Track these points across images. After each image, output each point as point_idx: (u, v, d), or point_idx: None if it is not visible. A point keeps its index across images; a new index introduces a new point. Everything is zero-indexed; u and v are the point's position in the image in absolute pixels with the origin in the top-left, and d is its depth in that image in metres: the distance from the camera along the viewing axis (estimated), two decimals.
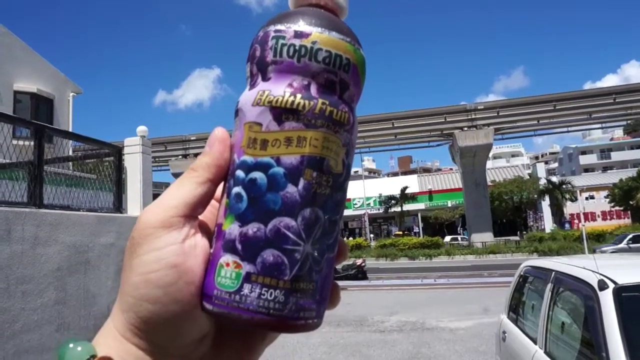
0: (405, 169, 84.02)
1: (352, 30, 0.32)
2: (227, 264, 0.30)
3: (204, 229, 0.33)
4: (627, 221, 41.09)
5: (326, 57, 0.30)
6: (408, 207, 47.13)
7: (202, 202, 0.32)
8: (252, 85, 0.31)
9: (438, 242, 33.33)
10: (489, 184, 41.79)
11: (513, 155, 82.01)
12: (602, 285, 2.39)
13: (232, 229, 0.30)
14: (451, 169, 61.35)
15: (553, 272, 3.25)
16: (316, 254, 0.30)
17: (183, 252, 0.30)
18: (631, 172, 42.74)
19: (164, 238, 0.30)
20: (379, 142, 40.72)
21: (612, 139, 71.72)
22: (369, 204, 49.05)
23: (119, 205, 7.50)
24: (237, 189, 0.30)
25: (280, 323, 0.29)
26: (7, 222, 5.31)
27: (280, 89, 0.30)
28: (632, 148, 66.21)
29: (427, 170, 76.82)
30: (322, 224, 0.30)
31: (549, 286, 3.22)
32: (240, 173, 0.30)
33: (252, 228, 0.29)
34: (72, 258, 6.07)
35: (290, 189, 0.29)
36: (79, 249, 6.21)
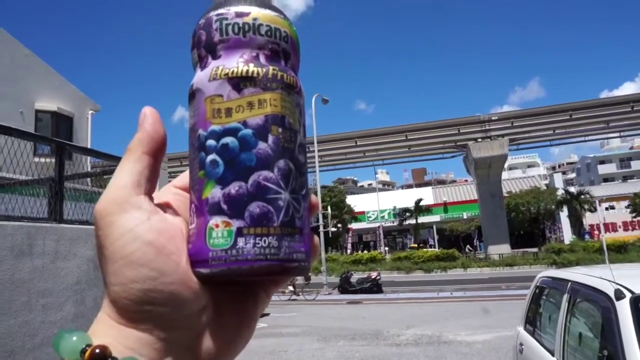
0: (420, 181, 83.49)
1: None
2: (217, 225, 0.31)
3: (167, 207, 0.34)
4: None
5: (268, 30, 0.33)
6: (423, 219, 46.69)
7: (146, 177, 0.32)
8: (204, 66, 0.34)
9: (454, 255, 32.84)
10: (505, 195, 41.23)
11: (529, 166, 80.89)
12: (619, 295, 2.37)
13: (214, 192, 0.31)
14: (466, 180, 60.76)
15: (569, 283, 3.21)
16: (295, 202, 0.32)
17: (153, 228, 0.31)
18: None
19: (128, 221, 0.30)
20: (392, 154, 40.61)
21: (631, 148, 70.30)
22: (383, 217, 48.75)
23: None
24: (211, 157, 0.32)
25: (279, 267, 0.31)
26: (29, 237, 5.45)
27: (234, 62, 0.33)
28: None
29: (441, 182, 76.18)
30: (295, 175, 0.33)
31: (566, 297, 3.18)
32: (211, 142, 0.32)
33: (233, 187, 0.31)
34: (90, 272, 6.18)
35: (262, 145, 0.32)
36: (97, 262, 6.32)
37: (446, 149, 39.37)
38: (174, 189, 0.37)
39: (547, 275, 4.15)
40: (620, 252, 28.25)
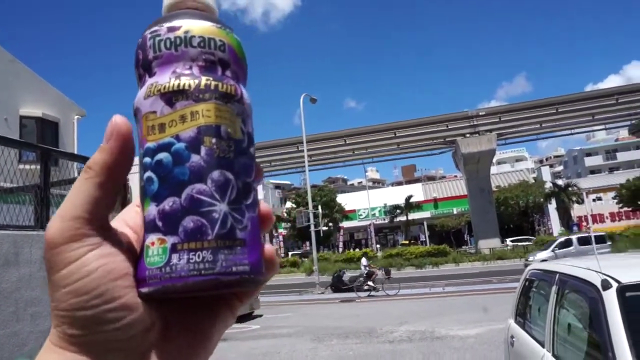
0: (410, 178, 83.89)
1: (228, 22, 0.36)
2: (153, 243, 0.31)
3: (129, 226, 0.34)
4: (638, 221, 40.70)
5: (200, 41, 0.33)
6: (413, 215, 46.95)
7: (105, 205, 0.31)
8: (142, 85, 0.34)
9: (445, 250, 33.08)
10: (494, 189, 41.59)
11: (517, 160, 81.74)
12: (606, 285, 2.40)
13: (150, 210, 0.31)
14: (455, 176, 61.21)
15: (557, 275, 3.25)
16: (235, 213, 0.31)
17: (101, 255, 0.30)
18: (638, 172, 42.45)
19: (75, 251, 0.30)
20: (381, 152, 40.75)
21: (617, 140, 71.37)
22: (374, 214, 48.92)
23: None
24: (147, 174, 0.32)
25: (214, 281, 0.30)
26: (15, 246, 5.37)
27: (166, 77, 0.32)
28: (637, 148, 65.80)
29: (431, 178, 76.64)
30: (234, 184, 0.32)
31: (554, 288, 3.22)
32: (147, 160, 0.32)
33: (167, 203, 0.31)
34: None
35: (194, 158, 0.31)
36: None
37: (435, 145, 39.62)
38: (135, 208, 0.35)
39: (536, 268, 4.19)
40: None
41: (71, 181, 8.17)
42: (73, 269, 0.29)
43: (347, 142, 39.13)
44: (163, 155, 0.31)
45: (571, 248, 22.08)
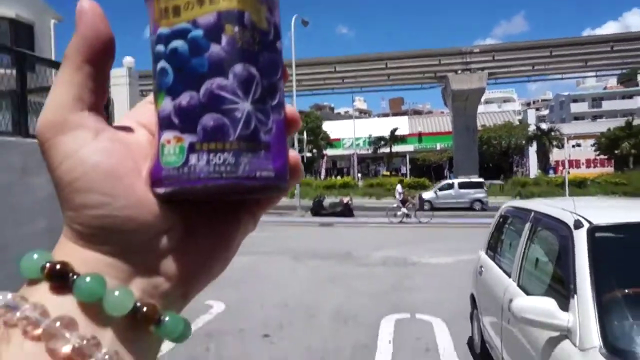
0: (397, 111, 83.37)
1: None
2: (169, 141, 0.28)
3: (137, 124, 0.32)
4: (610, 169, 42.00)
5: None
6: (397, 148, 47.36)
7: (89, 89, 0.28)
8: None
9: (424, 184, 33.88)
10: (479, 128, 41.86)
11: (505, 101, 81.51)
12: (578, 225, 2.51)
13: (165, 105, 0.28)
14: (442, 112, 61.06)
15: (533, 212, 3.38)
16: (260, 114, 0.29)
17: (99, 149, 0.27)
18: (620, 122, 43.06)
19: (69, 144, 0.27)
20: (371, 82, 40.00)
21: (605, 88, 71.37)
22: (358, 145, 49.10)
23: None
24: (160, 64, 0.29)
25: (236, 186, 0.28)
26: None
27: None
28: (623, 97, 66.15)
29: (418, 113, 76.35)
30: (259, 82, 0.29)
31: (528, 225, 3.37)
32: (160, 47, 0.29)
33: (184, 98, 0.28)
34: None
35: (214, 47, 0.28)
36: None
37: (425, 80, 39.01)
38: (148, 105, 0.32)
39: (512, 205, 4.35)
40: (580, 187, 29.81)
41: (50, 88, 7.86)
42: (70, 165, 0.27)
43: (337, 69, 38.13)
44: (178, 43, 0.28)
45: (451, 191, 24.53)
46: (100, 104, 0.29)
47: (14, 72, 5.94)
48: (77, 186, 0.27)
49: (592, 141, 44.70)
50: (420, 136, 50.95)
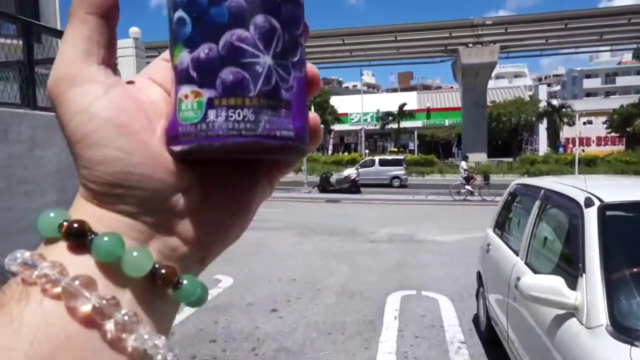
0: (405, 85, 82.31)
1: None
2: (186, 96, 0.27)
3: (151, 81, 0.30)
4: (621, 148, 41.42)
5: None
6: (405, 124, 46.93)
7: (97, 42, 0.27)
8: None
9: (432, 160, 33.72)
10: (489, 104, 41.29)
11: (516, 76, 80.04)
12: (589, 203, 2.48)
13: (182, 57, 0.27)
14: (451, 87, 60.16)
15: (542, 190, 3.35)
16: (281, 70, 0.27)
17: (111, 104, 0.27)
18: (633, 99, 42.21)
19: (79, 98, 0.26)
20: (380, 55, 39.38)
21: (619, 63, 69.70)
22: (366, 120, 48.75)
23: None
24: (178, 14, 0.27)
25: (256, 144, 0.27)
26: (4, 123, 5.28)
27: None
28: (638, 73, 64.64)
29: (427, 88, 75.32)
30: (280, 35, 0.27)
31: (537, 203, 3.34)
32: None
33: (203, 50, 0.26)
34: (71, 161, 6.12)
35: None
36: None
37: (436, 53, 38.35)
38: (162, 62, 0.31)
39: (522, 183, 4.31)
40: (590, 166, 29.51)
41: None
42: (80, 120, 0.26)
43: (346, 41, 37.55)
44: None
45: (372, 168, 25.29)
46: (110, 58, 0.28)
47: (20, 42, 5.91)
48: (89, 141, 0.26)
49: (603, 118, 43.98)
50: (428, 112, 50.41)
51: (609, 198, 2.52)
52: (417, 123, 49.18)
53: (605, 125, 43.50)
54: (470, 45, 35.45)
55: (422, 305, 5.17)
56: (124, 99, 0.27)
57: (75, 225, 0.26)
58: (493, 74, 44.30)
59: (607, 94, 61.35)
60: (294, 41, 0.28)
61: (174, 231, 0.28)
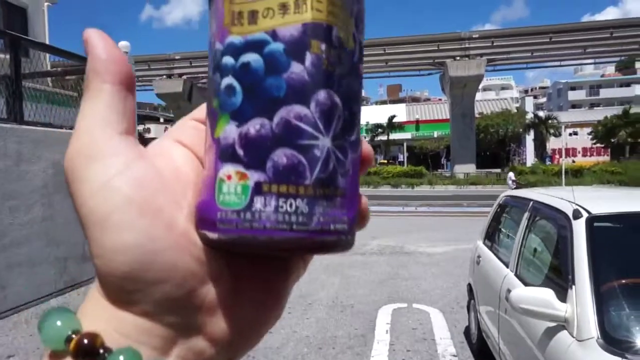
0: (394, 98, 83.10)
1: None
2: (229, 177, 0.24)
3: (177, 146, 0.27)
4: (606, 158, 42.12)
5: None
6: (394, 136, 47.32)
7: (117, 111, 0.25)
8: None
9: (421, 172, 33.98)
10: (477, 115, 41.82)
11: (503, 88, 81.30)
12: (577, 215, 2.51)
13: (228, 131, 0.24)
14: (440, 99, 60.89)
15: (531, 202, 3.38)
16: (339, 152, 0.24)
17: (134, 179, 0.24)
18: (617, 110, 43.08)
19: (99, 172, 0.24)
20: (369, 68, 39.76)
21: (602, 76, 71.23)
22: None
23: None
24: (227, 80, 0.24)
25: (308, 241, 0.23)
26: None
27: None
28: (621, 85, 66.08)
29: (415, 100, 76.11)
30: (341, 112, 0.24)
31: (526, 215, 3.36)
32: (228, 59, 0.24)
33: (253, 125, 0.23)
34: (57, 176, 6.05)
35: (295, 67, 0.23)
36: (63, 167, 6.18)
37: (424, 66, 38.86)
38: (192, 122, 0.28)
39: (511, 195, 4.35)
40: (576, 176, 29.93)
41: (45, 74, 7.76)
42: (99, 199, 0.23)
43: None
44: (252, 57, 0.23)
45: None
46: (131, 127, 0.25)
47: (8, 56, 5.86)
48: (108, 224, 0.23)
49: (589, 129, 44.77)
50: (417, 123, 50.89)
51: (596, 210, 2.54)
52: (406, 135, 49.60)
53: (590, 137, 44.26)
54: (458, 58, 36.00)
55: (414, 318, 5.14)
56: (147, 173, 0.24)
57: (86, 341, 0.22)
58: (480, 86, 44.92)
59: (592, 105, 62.54)
60: (353, 118, 0.25)
61: (200, 330, 0.25)
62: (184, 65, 37.51)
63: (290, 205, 0.23)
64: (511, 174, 19.25)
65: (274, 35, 0.23)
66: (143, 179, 0.24)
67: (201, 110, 0.28)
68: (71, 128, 7.26)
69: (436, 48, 36.65)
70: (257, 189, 0.23)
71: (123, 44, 7.69)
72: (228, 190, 0.23)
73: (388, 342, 4.44)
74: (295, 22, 0.23)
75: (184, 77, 37.63)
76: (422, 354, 4.20)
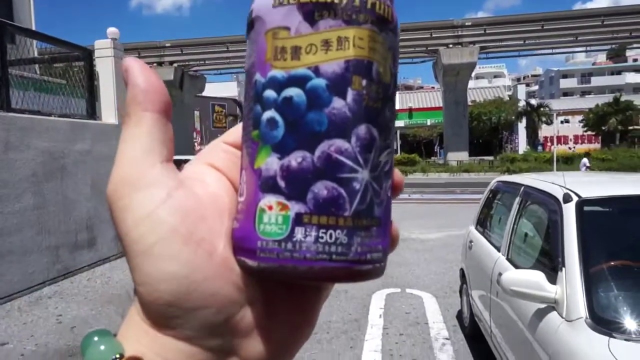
0: None
1: None
2: (270, 207, 0.24)
3: (210, 171, 0.28)
4: (597, 146, 42.48)
5: None
6: None
7: (158, 139, 0.25)
8: None
9: (415, 160, 34.07)
10: (469, 103, 41.88)
11: (495, 76, 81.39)
12: (567, 198, 2.53)
13: (270, 163, 0.24)
14: (433, 87, 60.86)
15: (523, 187, 3.40)
16: (375, 184, 0.25)
17: (176, 209, 0.24)
18: (608, 98, 43.33)
19: (143, 203, 0.24)
20: None
21: (594, 64, 71.49)
22: None
23: (92, 112, 7.27)
24: (268, 114, 0.24)
25: (346, 270, 0.24)
26: None
27: None
28: (612, 73, 66.41)
29: (408, 88, 75.98)
30: (378, 145, 0.25)
31: (517, 199, 3.39)
32: (270, 93, 0.24)
33: (295, 158, 0.24)
34: (47, 164, 5.99)
35: (337, 103, 0.24)
36: (53, 155, 6.11)
37: (417, 53, 38.68)
38: (224, 146, 0.29)
39: (502, 180, 4.38)
40: (568, 163, 30.20)
41: (31, 61, 7.61)
42: (145, 229, 0.24)
43: None
44: (294, 92, 0.24)
45: None
46: (170, 155, 0.26)
47: None
48: (153, 253, 0.24)
49: (580, 117, 45.06)
50: (410, 111, 50.88)
51: (586, 194, 2.57)
52: (400, 123, 49.57)
53: (581, 124, 44.57)
54: (451, 45, 35.89)
55: (407, 302, 5.19)
56: (188, 201, 0.25)
57: None
58: (473, 74, 44.92)
59: (583, 93, 62.85)
60: (388, 149, 0.26)
61: (237, 353, 0.26)
62: (175, 53, 37.05)
63: (330, 236, 0.24)
64: (585, 160, 18.85)
65: (316, 71, 0.24)
66: (185, 208, 0.24)
67: (232, 134, 0.29)
68: (61, 116, 7.11)
69: (429, 36, 36.49)
70: (298, 220, 0.24)
71: (112, 30, 7.57)
72: (269, 220, 0.24)
73: (382, 327, 4.49)
74: (337, 59, 0.24)
75: (175, 65, 37.22)
76: (415, 338, 4.25)
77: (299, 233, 0.24)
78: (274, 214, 0.24)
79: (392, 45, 0.26)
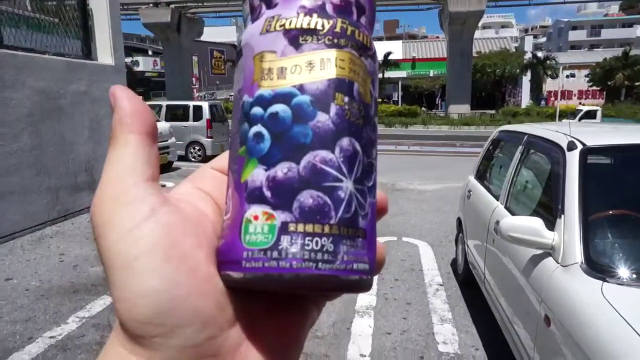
0: (391, 34, 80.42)
1: None
2: (256, 217, 0.24)
3: (197, 193, 0.28)
4: (601, 102, 41.87)
5: None
6: (390, 74, 46.27)
7: (142, 159, 0.25)
8: (256, 18, 0.27)
9: (415, 111, 33.70)
10: (474, 55, 40.80)
11: (503, 26, 78.76)
12: (571, 146, 2.50)
13: (256, 174, 0.25)
14: (437, 37, 59.09)
15: (526, 136, 3.36)
16: (359, 196, 0.26)
17: (160, 224, 0.24)
18: (617, 52, 42.19)
19: (127, 218, 0.24)
20: None
21: (606, 15, 69.05)
22: None
23: (88, 51, 7.06)
24: (255, 128, 0.25)
25: (332, 278, 0.24)
26: None
27: (292, 11, 0.26)
28: (624, 26, 64.31)
29: (412, 37, 73.75)
30: (361, 159, 0.26)
31: (520, 148, 3.36)
32: (257, 110, 0.26)
33: (281, 169, 0.24)
34: (43, 104, 5.89)
35: (321, 117, 0.25)
36: (49, 95, 5.99)
37: (422, 0, 37.25)
38: (211, 171, 0.30)
39: (505, 130, 4.32)
40: (570, 119, 29.94)
41: None
42: (126, 244, 0.23)
43: None
44: (280, 108, 0.25)
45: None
46: (155, 174, 0.26)
47: None
48: (134, 268, 0.23)
49: (586, 71, 44.07)
50: (414, 62, 49.64)
51: (591, 142, 2.53)
52: (402, 73, 48.52)
53: (587, 79, 43.69)
54: None
55: (403, 250, 5.29)
56: (172, 217, 0.25)
57: None
58: (480, 24, 43.45)
59: (592, 47, 61.16)
60: (370, 165, 0.27)
61: None
62: None
63: (316, 244, 0.24)
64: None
65: (301, 88, 0.25)
66: (169, 223, 0.24)
67: (219, 160, 0.30)
68: (56, 54, 6.90)
69: None
70: (284, 228, 0.24)
71: None
72: (255, 230, 0.24)
73: None
74: (321, 78, 0.25)
75: (172, 6, 35.87)
76: (410, 283, 4.36)
77: (285, 241, 0.24)
78: (259, 224, 0.24)
79: (371, 70, 0.28)
